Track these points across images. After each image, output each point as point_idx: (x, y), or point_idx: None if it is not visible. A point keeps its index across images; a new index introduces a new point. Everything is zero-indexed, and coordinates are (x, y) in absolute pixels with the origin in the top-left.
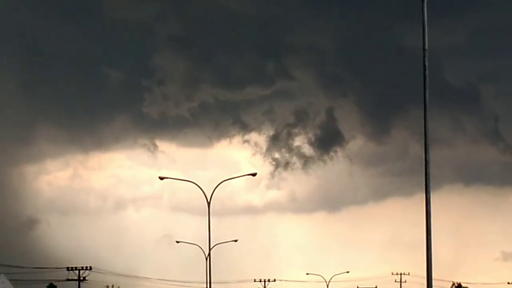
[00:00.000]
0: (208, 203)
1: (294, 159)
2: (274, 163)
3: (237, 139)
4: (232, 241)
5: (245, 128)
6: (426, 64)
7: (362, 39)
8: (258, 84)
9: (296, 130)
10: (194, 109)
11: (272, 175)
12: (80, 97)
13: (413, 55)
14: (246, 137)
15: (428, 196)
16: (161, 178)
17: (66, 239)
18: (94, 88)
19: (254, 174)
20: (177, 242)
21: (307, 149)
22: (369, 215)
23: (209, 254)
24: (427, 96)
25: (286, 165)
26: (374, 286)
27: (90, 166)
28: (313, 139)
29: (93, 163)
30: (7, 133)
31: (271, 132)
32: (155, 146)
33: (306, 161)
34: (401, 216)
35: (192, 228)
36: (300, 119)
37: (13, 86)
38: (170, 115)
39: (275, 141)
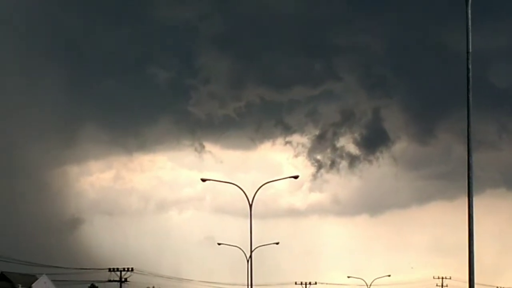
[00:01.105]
0: (250, 206)
1: (340, 159)
2: (316, 164)
3: (280, 141)
4: (274, 243)
5: (288, 129)
6: (470, 66)
7: (409, 40)
8: (304, 84)
9: (342, 130)
10: (240, 109)
11: (315, 176)
12: (125, 98)
13: (459, 57)
14: (289, 138)
15: (470, 199)
16: (203, 180)
17: (108, 240)
18: (139, 89)
19: (296, 177)
20: (219, 244)
21: (353, 149)
22: (412, 218)
23: (250, 256)
24: (471, 98)
25: (332, 164)
26: None
27: (133, 168)
28: (359, 139)
29: (136, 164)
30: (51, 135)
31: (316, 133)
32: (202, 147)
33: (352, 160)
34: (444, 219)
35: (234, 230)
36: (346, 119)
37: (57, 88)
38: (215, 116)
39: (320, 142)
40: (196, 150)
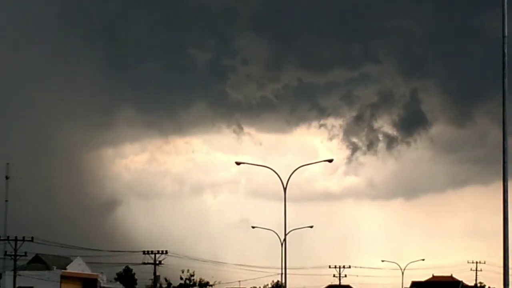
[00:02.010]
0: (284, 189)
1: (377, 141)
2: (351, 147)
3: (315, 124)
4: (308, 227)
5: (323, 112)
6: (505, 51)
7: (449, 23)
8: (342, 67)
9: (379, 112)
10: (278, 91)
11: (350, 159)
12: (162, 80)
13: (498, 41)
14: (325, 121)
15: (505, 184)
16: (238, 163)
17: (143, 222)
18: (176, 71)
19: (330, 160)
20: (253, 227)
21: (391, 131)
22: (447, 203)
23: (284, 240)
24: (506, 82)
25: (369, 146)
26: (450, 275)
27: (168, 150)
28: (396, 120)
29: (171, 147)
30: (88, 118)
31: (353, 115)
32: (241, 129)
33: (390, 142)
34: (479, 204)
35: (269, 214)
36: (384, 101)
37: (94, 72)
38: (253, 97)
39: (356, 124)
40: (234, 131)
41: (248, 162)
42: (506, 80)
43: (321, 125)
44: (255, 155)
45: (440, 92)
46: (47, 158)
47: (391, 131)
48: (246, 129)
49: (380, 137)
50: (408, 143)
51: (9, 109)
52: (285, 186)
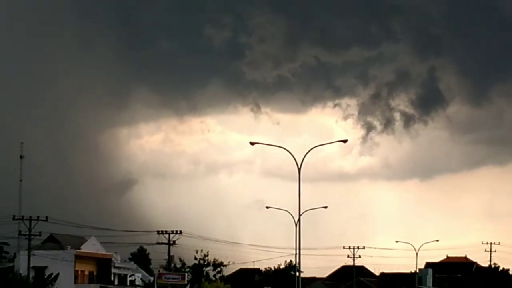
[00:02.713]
0: (299, 169)
1: (393, 120)
2: (366, 126)
3: (330, 103)
4: (322, 207)
5: (338, 91)
6: None
7: (466, 2)
8: (360, 45)
9: (396, 91)
10: (295, 69)
11: (365, 139)
12: (178, 59)
13: None
14: (340, 100)
15: None
16: (252, 144)
17: (158, 202)
18: (191, 50)
19: (345, 141)
20: (267, 207)
21: (408, 109)
22: (462, 183)
23: (298, 220)
24: None
25: (387, 124)
26: (464, 256)
27: (183, 130)
28: (414, 99)
29: (185, 127)
30: (103, 98)
31: (370, 93)
32: (258, 108)
33: (407, 120)
34: (494, 185)
35: (284, 194)
36: (401, 80)
37: (109, 51)
38: (269, 76)
39: (374, 102)
40: (252, 110)
41: (263, 142)
42: None
43: (335, 105)
44: (270, 135)
45: (457, 72)
46: (61, 138)
47: (408, 109)
48: (263, 109)
49: (397, 116)
50: (425, 122)
51: (23, 89)
52: (299, 166)
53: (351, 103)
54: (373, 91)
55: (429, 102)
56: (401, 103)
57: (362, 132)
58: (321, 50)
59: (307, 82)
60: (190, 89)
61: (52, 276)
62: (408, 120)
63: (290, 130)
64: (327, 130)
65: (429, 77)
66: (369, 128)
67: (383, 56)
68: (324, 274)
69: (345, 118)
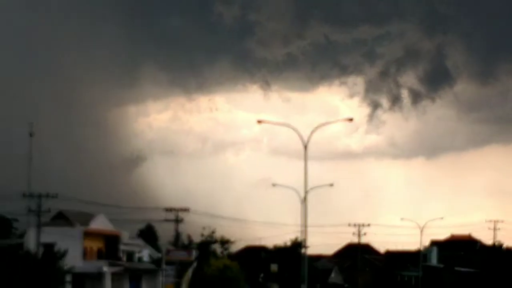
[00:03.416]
0: (305, 147)
1: (402, 97)
2: (372, 105)
3: (338, 82)
4: (328, 185)
5: (344, 70)
6: None
7: None
8: (368, 23)
9: (404, 69)
10: (304, 47)
11: (371, 117)
12: (187, 37)
13: None
14: (345, 79)
15: None
16: (260, 122)
17: (166, 180)
18: (200, 27)
19: (350, 119)
20: (273, 185)
21: (415, 86)
22: (468, 162)
23: (305, 198)
24: None
25: (395, 100)
26: (468, 233)
27: (190, 108)
28: (421, 76)
29: (194, 105)
30: (112, 75)
31: (377, 71)
32: (268, 85)
33: (415, 97)
34: (499, 163)
35: (290, 172)
36: (409, 57)
37: (117, 29)
38: (279, 54)
39: (382, 80)
40: (261, 88)
41: (270, 121)
42: None
43: (341, 83)
44: (278, 114)
45: (464, 50)
46: (70, 115)
47: (415, 86)
48: (272, 87)
49: (404, 93)
50: (432, 99)
51: (32, 67)
52: (305, 144)
53: (357, 81)
54: (380, 69)
55: (436, 80)
56: (409, 80)
57: (369, 110)
58: (330, 28)
59: (316, 60)
60: (198, 67)
61: (61, 252)
62: (415, 98)
63: (298, 109)
64: (334, 108)
65: (436, 55)
66: (375, 106)
67: (391, 34)
68: (330, 251)
69: (351, 96)
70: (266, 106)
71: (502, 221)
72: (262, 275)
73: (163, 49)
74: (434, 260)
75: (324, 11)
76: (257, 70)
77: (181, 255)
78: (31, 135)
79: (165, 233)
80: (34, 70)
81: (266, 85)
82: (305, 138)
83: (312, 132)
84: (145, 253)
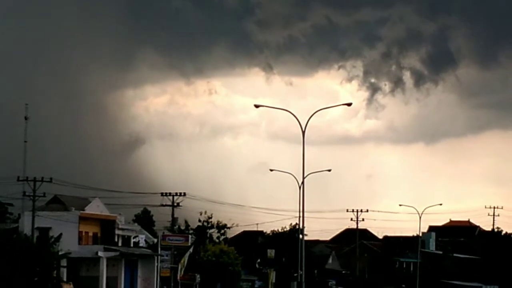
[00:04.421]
0: (303, 132)
1: (405, 78)
2: (371, 88)
3: (335, 67)
4: (326, 170)
5: (343, 55)
6: None
7: None
8: (371, 5)
9: (408, 52)
10: (305, 30)
11: (370, 101)
12: (186, 19)
13: None
14: (343, 62)
15: None
16: (257, 106)
17: (162, 164)
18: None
19: (349, 104)
20: (271, 170)
21: (419, 67)
22: (467, 147)
23: (302, 183)
24: None
25: (398, 82)
26: (467, 219)
27: (187, 92)
28: (424, 58)
29: (191, 89)
30: (109, 59)
31: (378, 54)
32: (270, 68)
33: (418, 79)
34: (498, 149)
35: (288, 157)
36: (412, 40)
37: (115, 12)
38: (280, 36)
39: (383, 62)
40: (264, 70)
41: (267, 105)
42: None
43: (340, 67)
44: (279, 97)
45: (467, 33)
46: (66, 99)
47: (417, 69)
48: (277, 69)
49: (407, 76)
50: (435, 81)
51: (28, 50)
52: (303, 129)
53: (357, 65)
54: (381, 52)
55: (438, 64)
56: (412, 62)
57: (367, 93)
58: (332, 10)
59: (316, 44)
60: (196, 50)
61: (55, 236)
62: (417, 80)
63: (298, 92)
64: (333, 92)
65: (437, 39)
66: (375, 89)
67: (393, 16)
68: (328, 237)
69: (350, 80)
70: (266, 90)
71: (501, 207)
72: (259, 260)
73: (162, 32)
74: (432, 246)
75: None
76: (259, 52)
77: (177, 240)
78: (26, 118)
79: (161, 218)
80: (31, 54)
81: (269, 67)
82: (303, 123)
83: (311, 116)
84: (141, 238)
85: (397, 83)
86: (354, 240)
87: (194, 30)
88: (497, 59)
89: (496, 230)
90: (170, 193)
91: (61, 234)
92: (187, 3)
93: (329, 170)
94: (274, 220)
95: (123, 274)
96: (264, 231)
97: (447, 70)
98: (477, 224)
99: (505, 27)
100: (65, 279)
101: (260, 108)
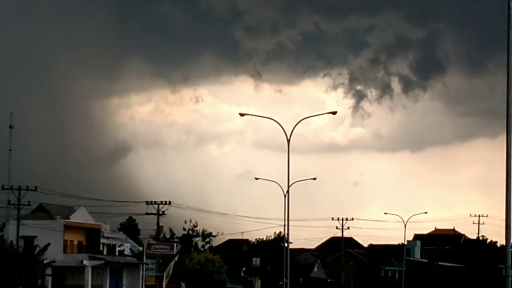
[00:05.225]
0: (288, 141)
1: (393, 84)
2: (357, 95)
3: (320, 75)
4: (311, 179)
5: (328, 63)
6: (511, 4)
7: None
8: (360, 13)
9: (396, 58)
10: (294, 37)
11: (356, 108)
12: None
13: None
14: (327, 71)
15: (509, 137)
16: (242, 115)
17: (148, 172)
18: (184, 17)
19: (334, 113)
20: (256, 178)
21: (406, 74)
22: (453, 156)
23: (287, 191)
24: (511, 36)
25: (385, 88)
26: (452, 227)
27: (173, 101)
28: (413, 64)
29: (177, 97)
30: (96, 68)
31: (364, 62)
32: (260, 75)
33: (406, 85)
34: (484, 157)
35: (275, 165)
36: (400, 47)
37: (101, 20)
38: (269, 43)
39: (371, 69)
40: (253, 77)
41: (253, 113)
42: (511, 33)
43: (325, 75)
44: (266, 105)
45: (455, 41)
46: (51, 107)
47: (406, 74)
48: (264, 77)
49: (394, 83)
50: (424, 87)
51: (13, 58)
52: (288, 138)
53: (342, 72)
54: (368, 60)
55: (425, 70)
56: (400, 68)
57: (352, 101)
58: (320, 17)
59: (303, 51)
60: (183, 58)
61: (42, 246)
62: (406, 85)
63: (285, 100)
64: (319, 100)
65: (427, 45)
66: (360, 97)
67: (380, 24)
68: (313, 245)
69: (335, 88)
70: (252, 98)
71: (487, 216)
72: (244, 269)
73: (149, 39)
74: (417, 254)
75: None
76: (249, 59)
77: (162, 248)
78: (11, 127)
79: (146, 226)
80: (16, 62)
81: (258, 74)
82: (288, 131)
83: (295, 125)
84: (126, 247)
85: (385, 89)
86: (340, 248)
87: (181, 37)
88: (485, 66)
89: (481, 238)
90: (155, 202)
91: (48, 244)
92: (175, 10)
93: (314, 179)
94: (259, 228)
95: (108, 283)
96: (250, 239)
97: (435, 77)
98: (462, 232)
99: (494, 33)
100: None
101: (246, 116)
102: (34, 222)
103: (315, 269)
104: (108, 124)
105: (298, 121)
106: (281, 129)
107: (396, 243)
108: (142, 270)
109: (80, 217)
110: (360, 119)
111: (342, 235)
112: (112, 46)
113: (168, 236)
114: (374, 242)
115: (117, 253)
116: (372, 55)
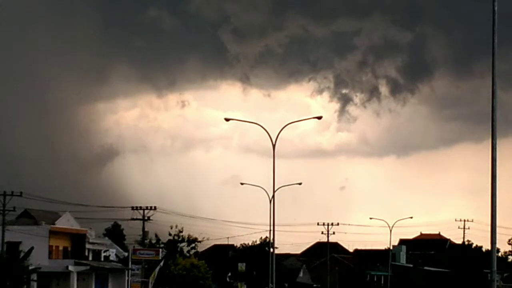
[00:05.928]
0: (273, 146)
1: (381, 87)
2: (342, 99)
3: (306, 79)
4: (296, 184)
5: (315, 66)
6: (496, 8)
7: None
8: (348, 15)
9: (383, 61)
10: (281, 40)
11: (341, 112)
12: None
13: None
14: (313, 75)
15: (494, 142)
16: (227, 120)
17: (134, 178)
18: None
19: (319, 117)
20: (242, 184)
21: (395, 76)
22: (439, 160)
23: (273, 197)
24: (496, 40)
25: (373, 90)
26: (437, 232)
27: (158, 106)
28: (400, 67)
29: (162, 102)
30: (82, 73)
31: (350, 66)
32: (248, 79)
33: (393, 88)
34: (470, 162)
35: (260, 170)
36: (388, 50)
37: (87, 25)
38: (256, 47)
39: (359, 71)
40: (241, 80)
41: (238, 118)
42: (496, 37)
43: (310, 79)
44: (252, 110)
45: (442, 45)
46: (36, 112)
47: (394, 77)
48: (252, 81)
49: (382, 87)
50: (412, 91)
51: (1, 63)
52: (274, 142)
53: (327, 76)
54: (355, 63)
55: (413, 73)
56: (387, 71)
57: (338, 105)
58: (308, 20)
59: (290, 55)
60: (169, 63)
61: (26, 251)
62: (394, 88)
63: (271, 105)
64: (305, 105)
65: (414, 48)
66: (345, 101)
67: (371, 28)
68: (299, 250)
69: (320, 92)
70: (239, 102)
71: (472, 220)
72: (229, 274)
73: (136, 43)
74: (403, 259)
75: (302, 3)
76: (236, 63)
77: (148, 254)
78: None
79: (132, 232)
80: (3, 67)
81: (245, 77)
82: (273, 136)
83: (280, 130)
84: (112, 252)
85: (372, 92)
86: (325, 253)
87: (167, 42)
88: (471, 70)
89: (466, 243)
90: (140, 207)
91: (32, 248)
92: (162, 14)
93: (300, 184)
94: (245, 233)
95: None
96: (235, 244)
97: (422, 80)
98: (448, 237)
99: (481, 38)
100: None
101: (232, 121)
102: (19, 227)
103: (301, 274)
104: (94, 129)
105: (283, 126)
106: (267, 134)
107: (382, 248)
108: (128, 276)
109: (66, 222)
110: (346, 124)
111: (328, 240)
112: (98, 50)
113: (153, 241)
114: (359, 247)
115: (102, 259)
116: (359, 58)
